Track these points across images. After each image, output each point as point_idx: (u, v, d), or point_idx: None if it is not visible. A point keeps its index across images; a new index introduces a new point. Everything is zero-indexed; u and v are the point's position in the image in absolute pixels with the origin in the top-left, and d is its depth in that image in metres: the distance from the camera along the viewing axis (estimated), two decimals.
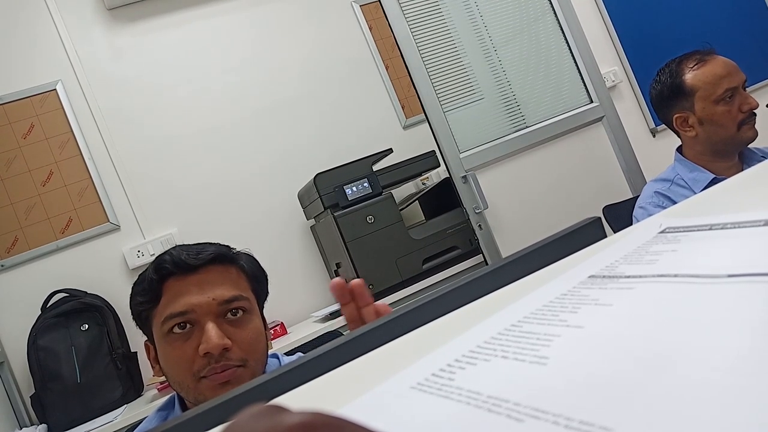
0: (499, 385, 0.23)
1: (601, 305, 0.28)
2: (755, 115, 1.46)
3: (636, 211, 1.53)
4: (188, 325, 0.84)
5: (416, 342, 0.35)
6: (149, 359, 0.92)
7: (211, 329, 0.82)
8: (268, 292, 0.98)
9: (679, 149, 1.57)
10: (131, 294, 0.91)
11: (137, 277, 0.92)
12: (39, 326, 2.04)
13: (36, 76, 2.30)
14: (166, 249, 0.91)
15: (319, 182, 2.11)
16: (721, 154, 1.49)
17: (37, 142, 2.26)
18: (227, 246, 0.93)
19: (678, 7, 3.05)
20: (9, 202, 2.20)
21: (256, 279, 0.94)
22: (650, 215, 1.61)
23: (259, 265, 0.97)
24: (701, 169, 1.49)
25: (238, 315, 0.87)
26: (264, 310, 0.96)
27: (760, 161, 1.49)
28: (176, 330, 0.84)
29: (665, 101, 1.53)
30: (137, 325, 0.92)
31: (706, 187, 1.45)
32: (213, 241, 0.94)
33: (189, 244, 0.91)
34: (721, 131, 1.46)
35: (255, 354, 0.86)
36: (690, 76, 1.48)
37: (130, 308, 0.91)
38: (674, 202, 1.46)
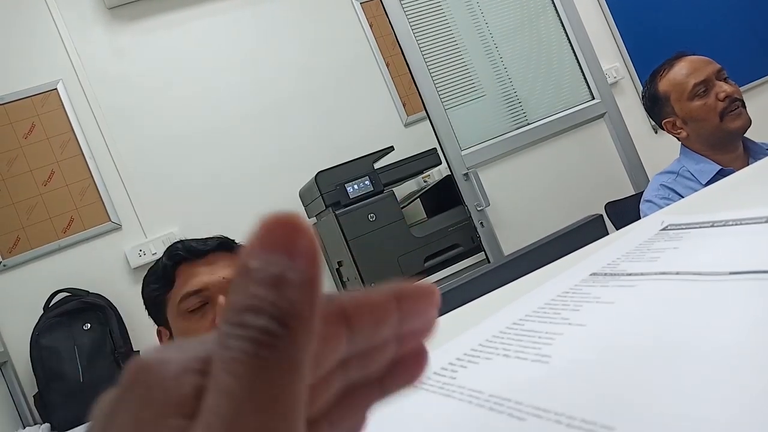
0: (500, 384, 0.23)
1: (602, 303, 0.28)
2: (739, 101, 1.45)
3: (642, 205, 1.54)
4: (203, 304, 0.94)
5: None
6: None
7: (224, 302, 0.92)
8: None
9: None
10: (144, 283, 1.00)
11: (148, 271, 1.00)
12: (42, 326, 2.04)
13: (37, 75, 2.30)
14: (168, 246, 1.00)
15: (320, 180, 2.11)
16: (718, 146, 1.49)
17: (38, 141, 2.26)
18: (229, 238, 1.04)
19: (679, 3, 3.04)
20: (11, 201, 2.21)
21: None
22: (658, 207, 1.59)
23: None
24: (707, 161, 1.49)
25: None
26: None
27: (765, 155, 1.48)
28: (192, 309, 0.94)
29: (652, 113, 1.60)
30: (150, 313, 1.00)
31: (712, 178, 1.45)
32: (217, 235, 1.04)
33: (195, 238, 1.01)
34: (705, 125, 1.47)
35: None
36: (661, 84, 1.54)
37: (143, 297, 0.99)
38: (680, 195, 1.46)
